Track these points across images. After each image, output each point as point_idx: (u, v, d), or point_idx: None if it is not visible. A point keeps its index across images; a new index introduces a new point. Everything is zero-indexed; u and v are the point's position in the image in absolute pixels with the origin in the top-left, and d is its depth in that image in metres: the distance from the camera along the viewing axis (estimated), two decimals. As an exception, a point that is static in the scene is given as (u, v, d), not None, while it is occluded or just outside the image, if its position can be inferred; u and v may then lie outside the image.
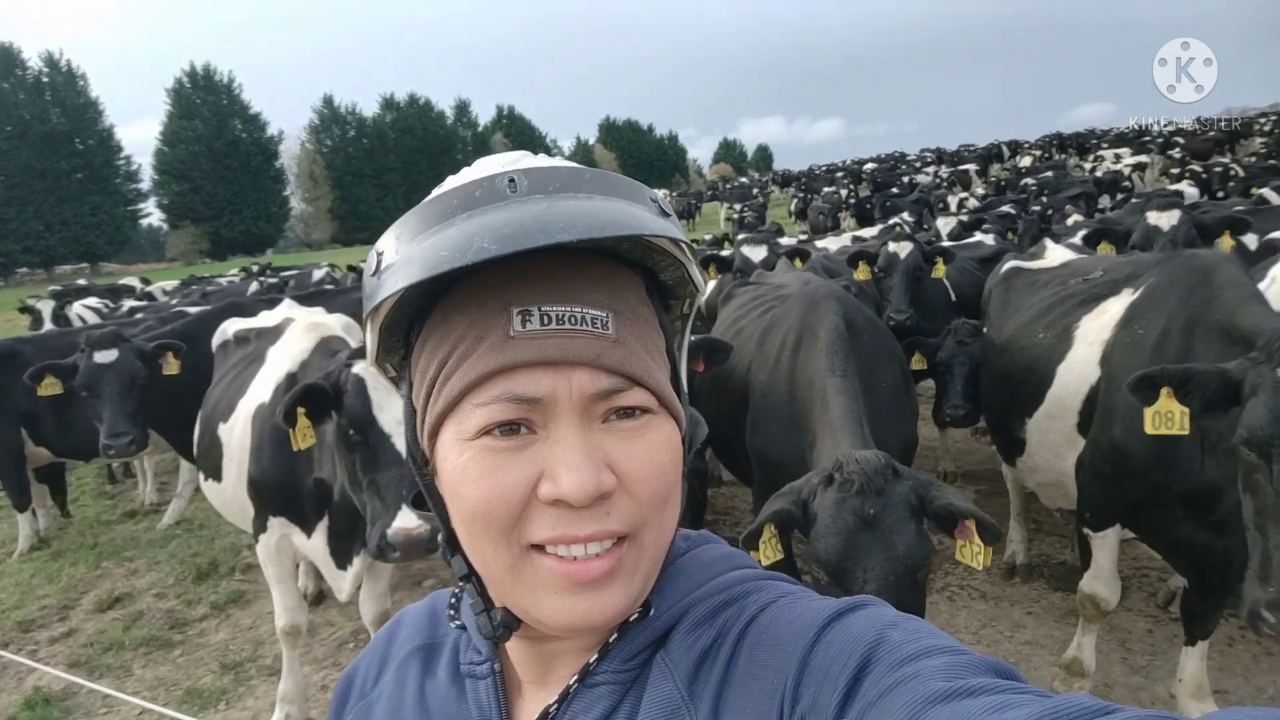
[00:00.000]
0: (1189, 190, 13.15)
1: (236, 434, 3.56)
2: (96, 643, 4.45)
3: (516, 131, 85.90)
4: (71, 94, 55.97)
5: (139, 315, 7.55)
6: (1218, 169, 15.88)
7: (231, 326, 4.31)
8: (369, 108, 76.51)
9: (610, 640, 0.65)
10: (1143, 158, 22.98)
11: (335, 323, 3.83)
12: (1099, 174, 19.59)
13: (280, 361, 3.48)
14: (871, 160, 43.19)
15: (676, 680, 0.62)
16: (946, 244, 6.93)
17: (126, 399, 4.75)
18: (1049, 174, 20.30)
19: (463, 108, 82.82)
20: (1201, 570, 2.79)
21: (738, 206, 25.47)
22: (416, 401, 0.65)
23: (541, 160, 0.65)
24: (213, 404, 3.88)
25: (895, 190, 22.47)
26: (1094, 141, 34.84)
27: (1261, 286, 3.04)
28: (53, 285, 16.90)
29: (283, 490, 3.32)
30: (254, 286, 11.91)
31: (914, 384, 3.96)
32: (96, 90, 58.08)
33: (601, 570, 0.58)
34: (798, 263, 5.54)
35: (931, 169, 30.49)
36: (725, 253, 6.77)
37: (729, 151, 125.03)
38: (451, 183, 0.62)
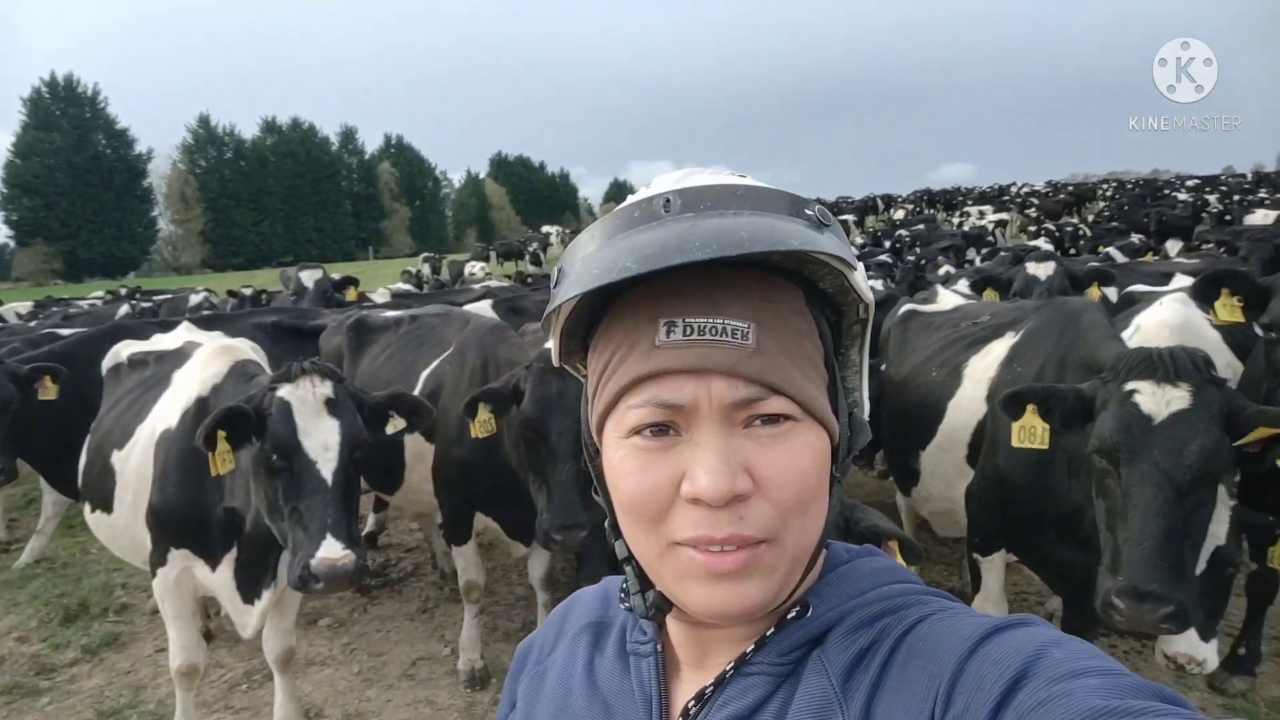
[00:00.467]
0: (1045, 246, 14.40)
1: (134, 461, 3.37)
2: (-51, 692, 4.05)
3: (405, 161, 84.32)
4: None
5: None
6: (1068, 228, 17.46)
7: (125, 349, 4.08)
8: (249, 130, 73.31)
9: (768, 633, 0.68)
10: (1004, 215, 24.94)
11: (245, 346, 3.71)
12: (965, 228, 21.10)
13: (189, 385, 3.34)
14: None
15: (831, 678, 0.64)
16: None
17: (-3, 425, 4.40)
18: (920, 227, 21.75)
19: (349, 134, 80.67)
20: (1074, 587, 3.07)
21: (631, 246, 25.86)
22: (588, 398, 0.72)
23: (704, 178, 0.68)
24: (105, 430, 3.66)
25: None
26: (960, 198, 37.56)
27: (1126, 334, 3.42)
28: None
29: (188, 521, 3.16)
30: (124, 309, 11.22)
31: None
32: (-62, 94, 53.46)
33: (735, 564, 0.62)
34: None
35: (813, 218, 31.95)
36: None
37: (619, 192, 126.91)
38: (628, 200, 0.69)
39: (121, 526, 3.46)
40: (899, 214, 31.26)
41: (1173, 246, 10.78)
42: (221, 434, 2.73)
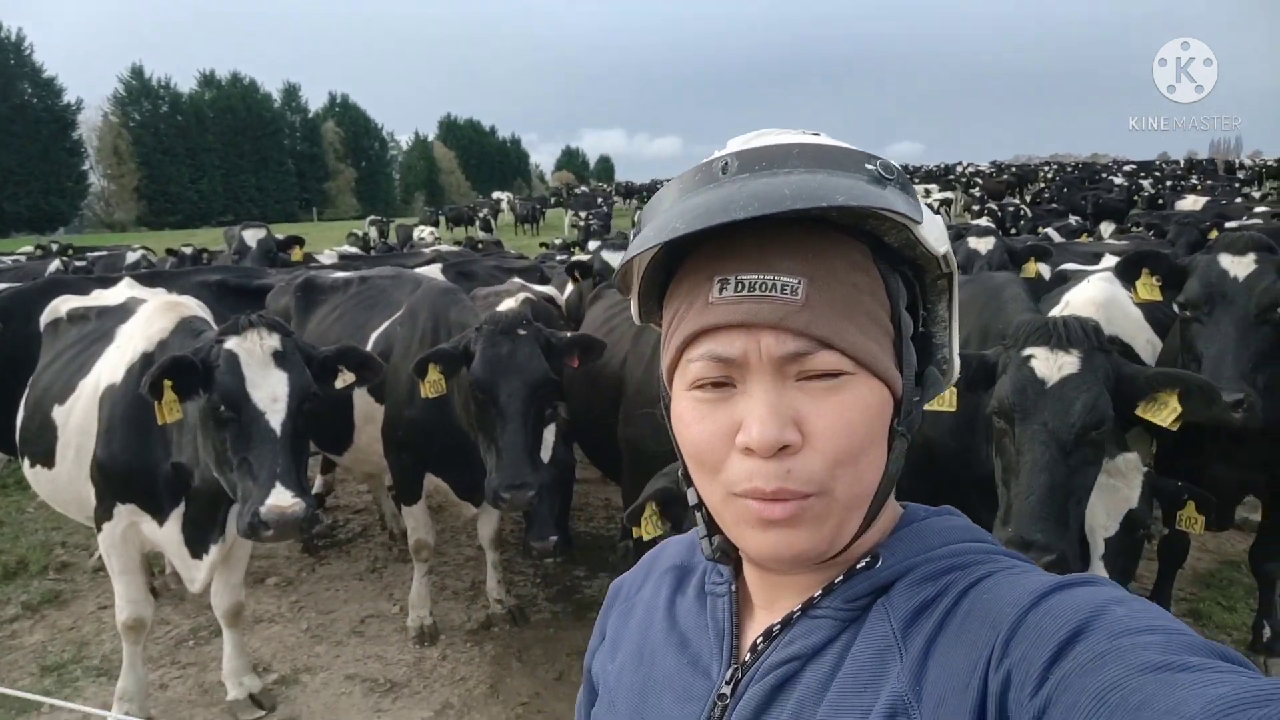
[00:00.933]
0: (987, 225, 14.81)
1: (77, 416, 3.34)
2: (-119, 649, 3.98)
3: (350, 121, 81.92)
4: None
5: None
6: (1010, 208, 17.93)
7: (64, 304, 4.00)
8: (185, 83, 70.34)
9: (835, 581, 0.71)
10: (949, 194, 25.46)
11: (192, 303, 3.67)
12: (912, 206, 21.45)
13: (134, 340, 3.31)
14: (710, 179, 44.80)
15: (892, 624, 0.66)
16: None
17: (-74, 381, 4.27)
18: (869, 204, 22.01)
19: (291, 91, 77.91)
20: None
21: (583, 214, 25.77)
22: (661, 352, 0.75)
23: (772, 138, 0.70)
24: (44, 385, 3.60)
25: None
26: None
27: (1056, 309, 3.60)
28: None
29: (134, 475, 3.16)
30: (54, 265, 10.81)
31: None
32: None
33: (783, 513, 0.65)
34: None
35: (765, 191, 32.19)
36: (585, 258, 6.95)
37: (572, 159, 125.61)
38: (697, 164, 0.71)
39: (63, 482, 3.43)
40: (848, 190, 31.60)
41: (1106, 228, 11.19)
42: (168, 383, 2.74)
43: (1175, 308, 3.49)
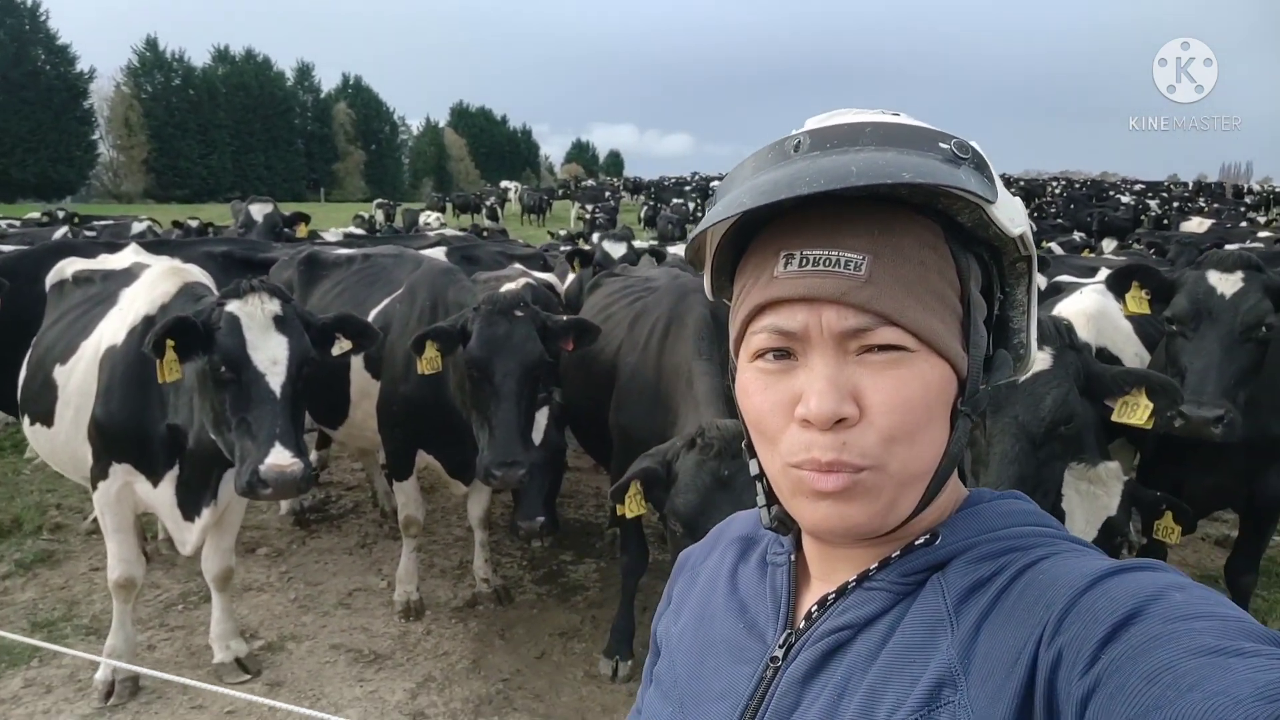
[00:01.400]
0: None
1: (78, 377, 3.40)
2: (-126, 598, 4.04)
3: (362, 103, 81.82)
4: None
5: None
6: (1014, 222, 17.90)
7: (70, 266, 4.06)
8: (199, 57, 70.27)
9: (892, 555, 0.72)
10: (955, 205, 25.41)
11: (195, 270, 3.73)
12: (918, 215, 21.44)
13: (137, 304, 3.36)
14: (718, 178, 44.94)
15: (946, 599, 0.67)
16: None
17: (-69, 336, 4.32)
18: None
19: (305, 70, 77.82)
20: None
21: (589, 207, 25.81)
22: (729, 324, 0.77)
23: (849, 116, 0.71)
24: (47, 345, 3.66)
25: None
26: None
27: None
28: None
29: (131, 435, 3.22)
30: (61, 232, 10.86)
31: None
32: None
33: (835, 484, 0.66)
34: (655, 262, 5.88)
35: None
36: (587, 248, 7.01)
37: (581, 152, 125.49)
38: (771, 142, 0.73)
39: (62, 440, 3.49)
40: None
41: (1108, 245, 11.23)
42: (170, 343, 2.80)
43: (1164, 321, 3.55)
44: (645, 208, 29.49)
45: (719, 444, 2.36)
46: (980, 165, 0.67)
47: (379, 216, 25.22)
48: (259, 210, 8.16)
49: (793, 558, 0.82)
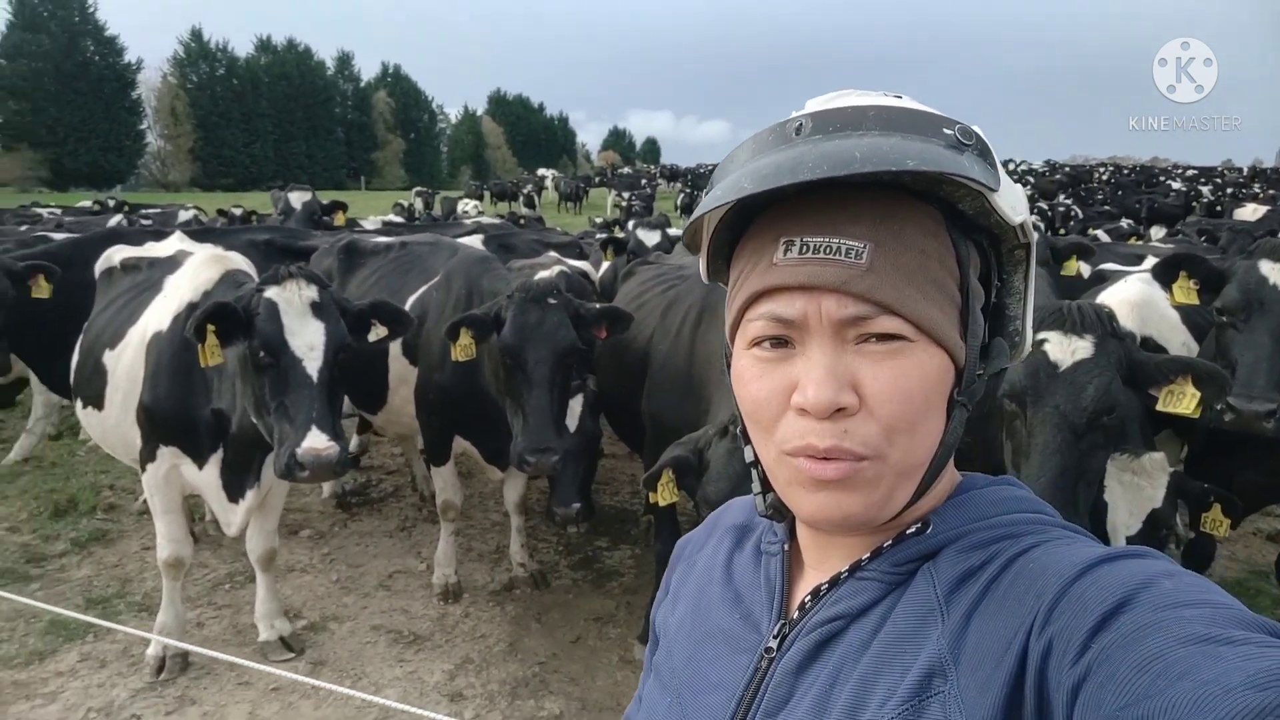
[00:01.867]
0: (1035, 222, 14.51)
1: (126, 361, 3.50)
2: (-60, 573, 4.22)
3: (401, 92, 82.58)
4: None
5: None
6: (1060, 208, 17.55)
7: (118, 254, 4.18)
8: (242, 47, 71.38)
9: (884, 545, 0.72)
10: (998, 191, 24.87)
11: (237, 257, 3.81)
12: (959, 201, 21.07)
13: (181, 290, 3.45)
14: (755, 164, 44.40)
15: (936, 588, 0.67)
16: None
17: (-9, 319, 4.48)
18: (915, 196, 21.69)
19: (345, 60, 78.76)
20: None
21: (626, 195, 25.80)
22: (725, 310, 0.76)
23: (853, 99, 0.70)
24: (97, 331, 3.77)
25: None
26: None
27: (1093, 306, 3.57)
28: None
29: (177, 419, 3.31)
30: (116, 220, 11.13)
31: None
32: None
33: (836, 473, 0.66)
34: (690, 250, 5.85)
35: (811, 180, 31.91)
36: (621, 235, 7.01)
37: (618, 140, 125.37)
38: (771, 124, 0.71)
39: (112, 424, 3.60)
40: (895, 182, 31.16)
41: (1156, 232, 10.93)
42: (211, 328, 2.87)
43: (1213, 312, 3.45)
44: (682, 195, 29.42)
45: (752, 433, 2.35)
46: (983, 152, 0.67)
47: (418, 204, 25.48)
48: (298, 198, 8.30)
49: (786, 546, 0.82)
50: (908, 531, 0.72)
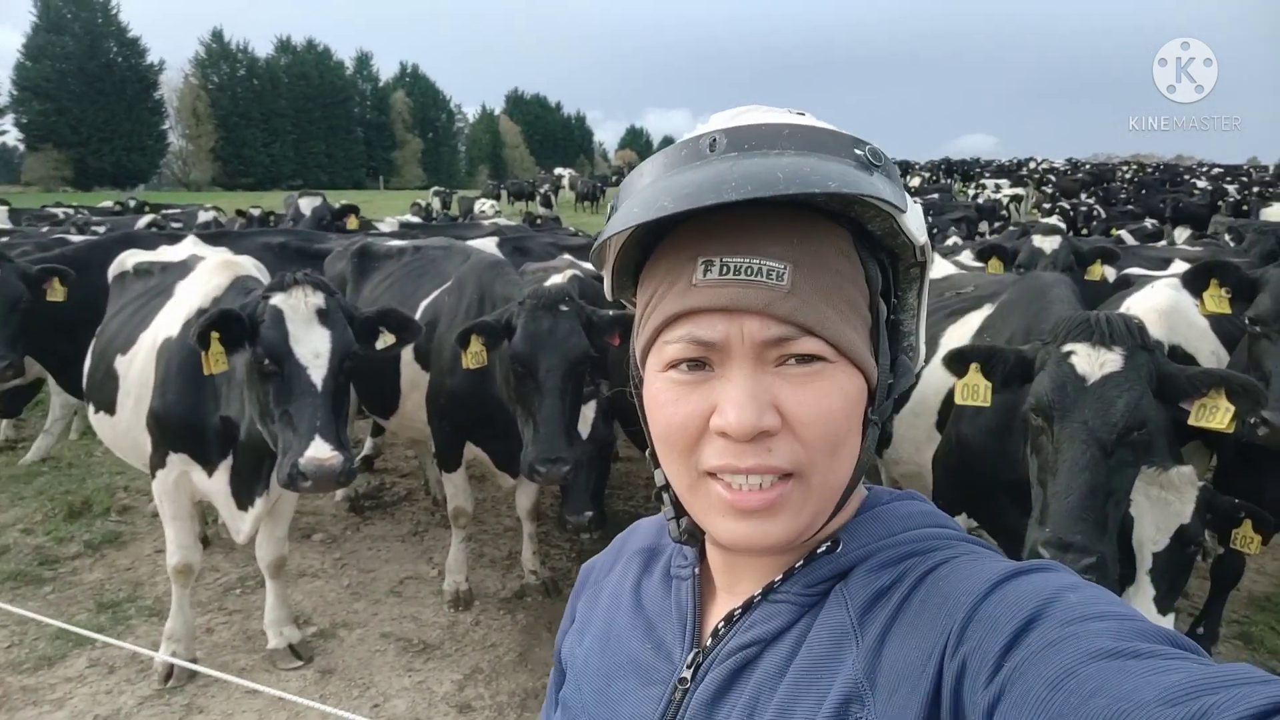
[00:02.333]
0: (1054, 223, 14.33)
1: (137, 367, 3.49)
2: (-47, 576, 4.23)
3: (419, 91, 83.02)
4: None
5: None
6: (1082, 208, 17.31)
7: (131, 258, 4.18)
8: (263, 48, 72.31)
9: (796, 566, 0.71)
10: (1020, 190, 24.70)
11: (248, 262, 3.79)
12: (980, 201, 20.94)
13: (191, 296, 3.44)
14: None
15: (850, 610, 0.66)
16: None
17: (5, 322, 4.49)
18: (935, 196, 21.54)
19: (364, 60, 79.32)
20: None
21: (642, 194, 25.57)
22: (635, 331, 0.75)
23: (758, 115, 0.69)
24: (109, 336, 3.77)
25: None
26: (978, 170, 37.14)
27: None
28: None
29: (186, 426, 3.29)
30: (146, 220, 11.16)
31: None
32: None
33: (762, 502, 0.65)
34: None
35: (829, 180, 31.78)
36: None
37: (635, 139, 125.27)
38: (681, 138, 0.70)
39: (124, 429, 3.59)
40: (915, 181, 30.96)
41: (1180, 234, 10.72)
42: (215, 335, 2.85)
43: (1246, 322, 3.35)
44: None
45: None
46: (890, 173, 0.67)
47: (435, 204, 25.58)
48: (307, 204, 8.36)
49: (697, 570, 0.80)
50: (818, 551, 0.71)
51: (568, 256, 5.56)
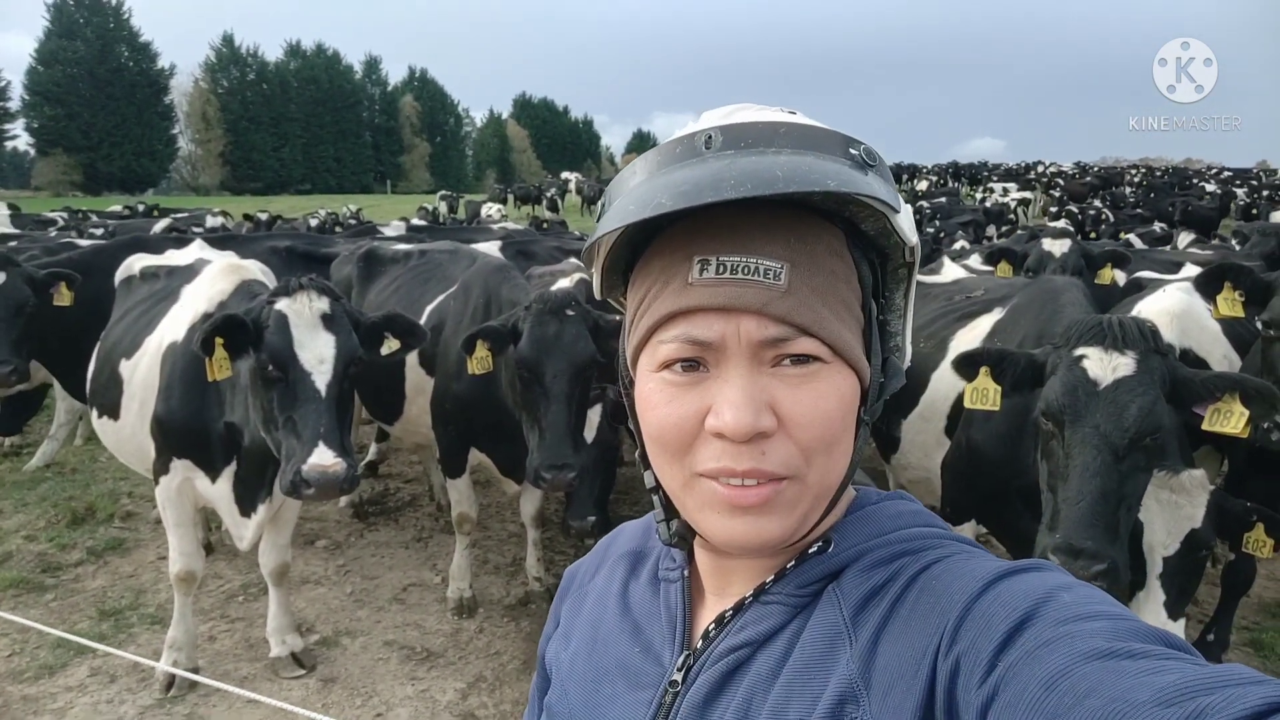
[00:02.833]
0: (1063, 227, 14.26)
1: (141, 371, 3.47)
2: (-44, 582, 4.22)
3: (428, 96, 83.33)
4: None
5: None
6: (1090, 212, 17.23)
7: (138, 262, 4.16)
8: (272, 52, 72.49)
9: (787, 566, 0.70)
10: (1027, 194, 24.60)
11: (254, 266, 3.77)
12: (988, 205, 20.86)
13: (196, 300, 3.42)
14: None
15: (843, 610, 0.66)
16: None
17: (11, 326, 4.48)
18: (943, 200, 21.49)
19: (373, 64, 79.66)
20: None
21: (649, 198, 25.57)
22: (625, 330, 0.73)
23: (751, 114, 0.68)
24: (114, 340, 3.75)
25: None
26: (985, 174, 37.03)
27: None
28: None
29: (190, 432, 3.27)
30: (163, 224, 11.17)
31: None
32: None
33: (757, 498, 0.64)
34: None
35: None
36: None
37: (642, 143, 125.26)
38: (673, 135, 0.68)
39: (127, 434, 3.57)
40: (923, 185, 30.87)
41: (1184, 238, 10.66)
42: (219, 341, 2.83)
43: (1259, 325, 3.30)
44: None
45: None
46: (884, 173, 0.66)
47: (442, 208, 25.64)
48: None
49: (685, 573, 0.79)
50: (810, 551, 0.70)
51: (574, 260, 5.54)
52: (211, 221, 12.13)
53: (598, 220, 0.68)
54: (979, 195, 27.35)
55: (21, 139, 58.32)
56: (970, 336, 3.55)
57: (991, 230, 15.62)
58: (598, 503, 3.82)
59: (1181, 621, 2.81)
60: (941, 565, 0.65)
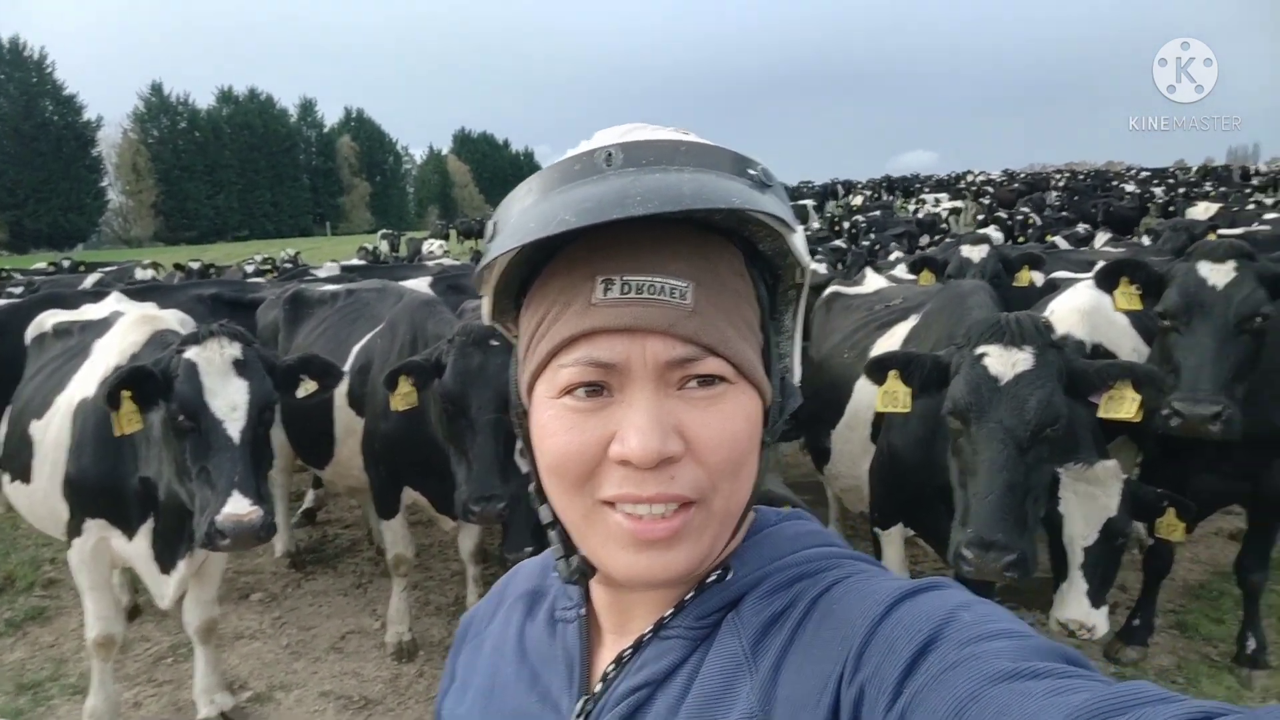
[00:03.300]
0: (995, 234, 14.71)
1: (53, 432, 3.35)
2: None
3: (365, 135, 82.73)
4: None
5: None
6: (1019, 217, 17.79)
7: (50, 319, 4.03)
8: (204, 100, 71.38)
9: (686, 598, 0.68)
10: (958, 203, 25.32)
11: (170, 316, 3.69)
12: (920, 216, 21.41)
13: (108, 354, 3.32)
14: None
15: (742, 639, 0.64)
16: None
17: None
18: (877, 213, 22.02)
19: (308, 106, 78.85)
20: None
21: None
22: (518, 359, 0.70)
23: (648, 133, 0.67)
24: (24, 400, 3.62)
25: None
26: (918, 186, 38.04)
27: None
28: None
29: (104, 490, 3.16)
30: (93, 279, 10.79)
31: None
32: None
33: (666, 531, 0.61)
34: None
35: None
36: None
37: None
38: (566, 155, 0.66)
39: (40, 497, 3.44)
40: (858, 200, 31.58)
41: (1100, 238, 11.11)
42: (126, 394, 2.75)
43: (1155, 317, 3.44)
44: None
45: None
46: (779, 194, 0.66)
47: (384, 247, 25.34)
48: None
49: (582, 611, 0.75)
50: (709, 580, 0.68)
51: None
52: (141, 274, 11.77)
53: (488, 243, 0.66)
54: (912, 207, 28.07)
55: (-59, 199, 56.29)
56: (889, 344, 3.64)
57: (925, 240, 16.01)
58: (535, 533, 3.77)
59: (1104, 610, 2.89)
60: (842, 587, 0.63)
